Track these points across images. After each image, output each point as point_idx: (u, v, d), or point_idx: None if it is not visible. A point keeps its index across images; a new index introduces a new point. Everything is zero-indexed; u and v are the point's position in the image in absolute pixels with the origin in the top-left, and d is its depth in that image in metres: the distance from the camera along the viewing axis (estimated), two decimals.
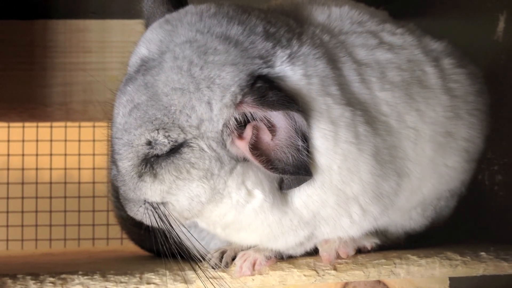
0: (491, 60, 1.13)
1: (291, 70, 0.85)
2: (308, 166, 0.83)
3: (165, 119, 0.82)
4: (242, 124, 0.83)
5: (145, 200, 0.87)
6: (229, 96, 0.82)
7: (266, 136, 0.82)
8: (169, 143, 0.83)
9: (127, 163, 0.85)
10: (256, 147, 0.82)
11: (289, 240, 0.92)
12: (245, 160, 0.85)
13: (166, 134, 0.82)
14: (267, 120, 0.82)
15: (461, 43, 1.08)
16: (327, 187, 0.86)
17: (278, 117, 0.81)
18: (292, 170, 0.82)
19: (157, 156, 0.84)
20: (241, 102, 0.81)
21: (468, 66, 1.04)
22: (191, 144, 0.83)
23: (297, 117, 0.80)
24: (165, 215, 0.87)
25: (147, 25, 0.97)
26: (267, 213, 0.87)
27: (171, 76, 0.82)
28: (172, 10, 0.94)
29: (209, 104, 0.82)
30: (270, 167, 0.82)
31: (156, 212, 0.87)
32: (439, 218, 1.11)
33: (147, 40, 0.88)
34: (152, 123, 0.82)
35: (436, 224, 1.11)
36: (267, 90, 0.81)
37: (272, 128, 0.82)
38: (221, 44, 0.83)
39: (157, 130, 0.82)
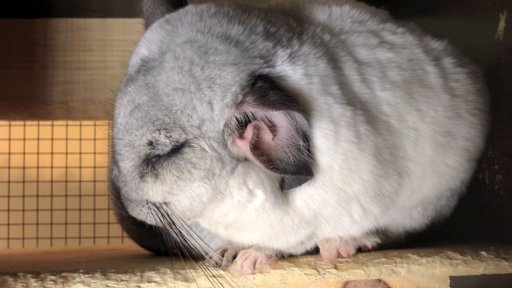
0: (492, 59, 1.13)
1: (291, 69, 0.84)
2: (309, 166, 0.83)
3: (166, 119, 0.82)
4: (243, 124, 0.83)
5: (147, 200, 0.87)
6: (230, 96, 0.81)
7: (267, 135, 0.82)
8: (170, 143, 0.83)
9: (128, 164, 0.85)
10: (257, 147, 0.82)
11: (290, 239, 0.92)
12: (246, 160, 0.85)
13: (168, 134, 0.82)
14: (268, 120, 0.82)
15: (461, 42, 1.08)
16: (328, 186, 0.86)
17: (279, 117, 0.81)
18: (293, 170, 0.82)
19: (159, 157, 0.84)
20: (242, 102, 0.81)
21: (469, 66, 1.04)
22: (192, 144, 0.83)
23: (298, 116, 0.80)
24: (167, 215, 0.87)
25: (146, 25, 0.97)
26: (268, 213, 0.87)
27: (172, 76, 0.82)
28: (172, 10, 0.93)
29: (210, 104, 0.82)
30: (271, 166, 0.82)
31: (159, 212, 0.87)
32: (439, 217, 1.11)
33: (148, 40, 0.87)
34: (153, 123, 0.82)
35: (436, 223, 1.11)
36: (268, 89, 0.80)
37: (273, 128, 0.82)
38: (222, 44, 0.83)
39: (159, 130, 0.82)
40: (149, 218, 0.88)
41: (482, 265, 0.98)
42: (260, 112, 0.81)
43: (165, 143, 0.83)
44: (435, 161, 0.96)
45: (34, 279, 0.91)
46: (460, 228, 1.18)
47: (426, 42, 1.02)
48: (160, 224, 0.88)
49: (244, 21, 0.87)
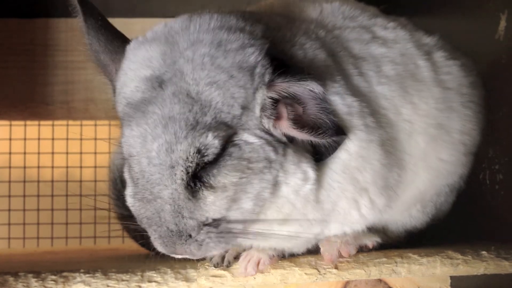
0: (493, 59, 1.13)
1: (294, 53, 0.85)
2: (341, 126, 0.83)
3: (207, 119, 0.77)
4: (274, 105, 0.81)
5: (203, 224, 0.80)
6: (257, 78, 0.80)
7: (298, 110, 0.81)
8: (219, 142, 0.78)
9: (175, 187, 0.78)
10: (295, 122, 0.81)
11: (304, 237, 0.92)
12: (290, 140, 0.83)
13: (215, 133, 0.77)
14: (293, 95, 0.80)
15: (462, 42, 1.08)
16: (346, 173, 0.86)
17: (303, 90, 0.80)
18: (333, 131, 0.81)
19: (206, 166, 0.78)
20: (270, 82, 0.80)
21: (460, 59, 1.05)
22: (237, 141, 0.79)
23: (317, 87, 0.79)
24: (228, 232, 0.81)
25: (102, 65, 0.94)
26: (311, 197, 0.85)
27: (198, 74, 0.78)
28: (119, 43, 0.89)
29: (244, 89, 0.79)
30: (317, 134, 0.80)
31: (220, 231, 0.80)
32: (439, 214, 1.12)
33: (143, 61, 0.82)
34: (195, 129, 0.77)
35: (436, 220, 1.12)
36: (286, 67, 0.80)
37: (300, 102, 0.81)
38: (229, 33, 0.81)
39: (204, 133, 0.77)
40: (210, 244, 0.81)
41: (482, 265, 0.98)
42: (287, 89, 0.80)
43: (214, 144, 0.77)
44: (428, 154, 0.97)
45: (35, 279, 0.91)
46: (460, 228, 1.18)
47: (418, 37, 1.03)
48: (223, 248, 0.83)
49: (233, 14, 0.86)
